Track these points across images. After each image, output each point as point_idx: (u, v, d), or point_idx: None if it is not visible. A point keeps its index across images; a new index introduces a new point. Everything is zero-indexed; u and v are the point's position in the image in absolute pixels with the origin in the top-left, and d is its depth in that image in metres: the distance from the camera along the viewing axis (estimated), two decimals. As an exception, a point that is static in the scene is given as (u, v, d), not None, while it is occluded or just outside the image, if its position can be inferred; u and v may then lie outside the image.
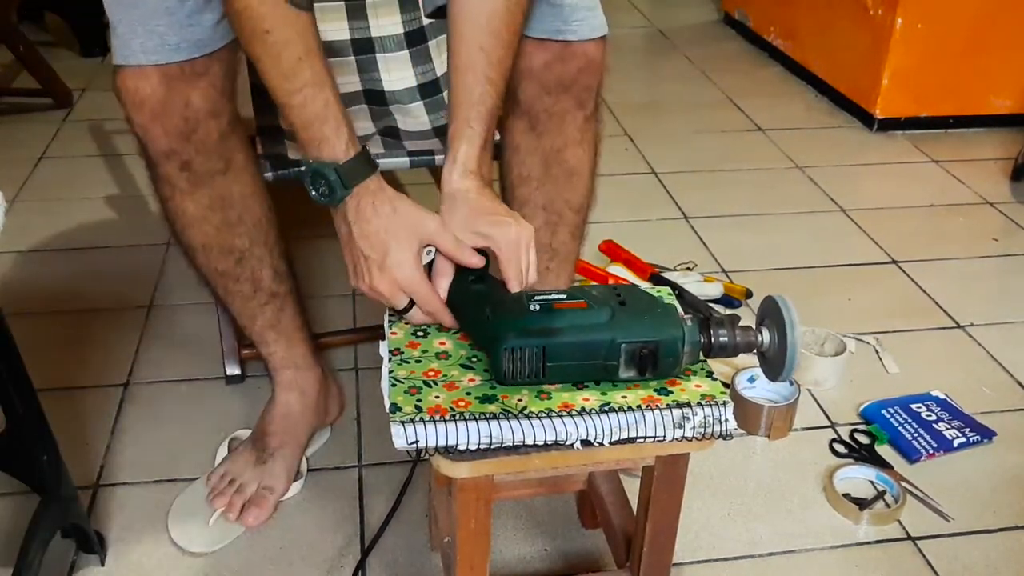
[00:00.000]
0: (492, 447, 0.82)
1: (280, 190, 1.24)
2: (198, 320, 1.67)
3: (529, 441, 0.82)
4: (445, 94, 1.38)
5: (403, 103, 1.39)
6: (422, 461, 1.31)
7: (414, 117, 1.40)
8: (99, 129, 2.47)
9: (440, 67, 1.38)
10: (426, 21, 1.38)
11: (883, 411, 1.46)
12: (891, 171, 2.39)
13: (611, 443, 0.83)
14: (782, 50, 3.03)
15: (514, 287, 0.93)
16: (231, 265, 1.18)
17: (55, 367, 1.55)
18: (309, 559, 1.21)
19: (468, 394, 0.85)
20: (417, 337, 0.94)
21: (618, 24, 3.51)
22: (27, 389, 1.04)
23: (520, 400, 0.84)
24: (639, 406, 0.84)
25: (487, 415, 0.82)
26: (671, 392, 0.86)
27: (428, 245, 0.93)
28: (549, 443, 0.83)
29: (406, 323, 0.96)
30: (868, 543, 1.25)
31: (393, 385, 0.86)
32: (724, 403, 0.85)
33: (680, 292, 1.70)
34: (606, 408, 0.84)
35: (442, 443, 0.81)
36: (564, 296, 0.88)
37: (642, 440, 0.84)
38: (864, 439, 1.42)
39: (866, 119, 2.58)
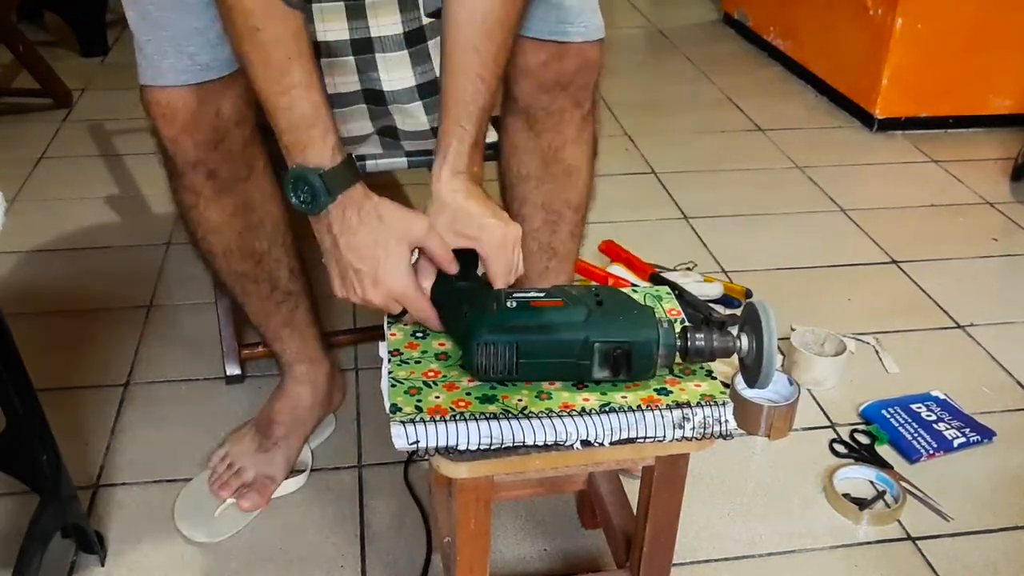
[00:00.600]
0: (492, 447, 0.82)
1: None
2: (198, 320, 1.67)
3: (529, 441, 0.82)
4: (444, 94, 1.38)
5: (402, 103, 1.39)
6: (423, 461, 1.32)
7: (413, 117, 1.40)
8: (99, 129, 2.47)
9: (439, 67, 1.39)
10: (426, 21, 1.38)
11: (883, 411, 1.46)
12: (891, 171, 2.39)
13: (611, 443, 0.83)
14: (782, 50, 3.03)
15: (499, 286, 0.93)
16: (251, 267, 1.19)
17: (55, 367, 1.55)
18: (309, 559, 1.21)
19: (468, 394, 0.85)
20: (417, 338, 0.94)
21: (618, 24, 3.52)
22: (27, 389, 1.04)
23: (520, 400, 0.84)
24: (639, 406, 0.84)
25: (487, 415, 0.82)
26: (671, 392, 0.86)
27: (417, 248, 0.93)
28: (549, 443, 0.83)
29: (405, 324, 0.96)
30: (868, 543, 1.25)
31: (393, 386, 0.86)
32: (724, 403, 0.85)
33: (680, 292, 1.70)
34: (606, 408, 0.84)
35: (442, 443, 0.81)
36: (542, 294, 0.88)
37: (642, 440, 0.84)
38: (864, 439, 1.42)
39: (866, 119, 2.58)
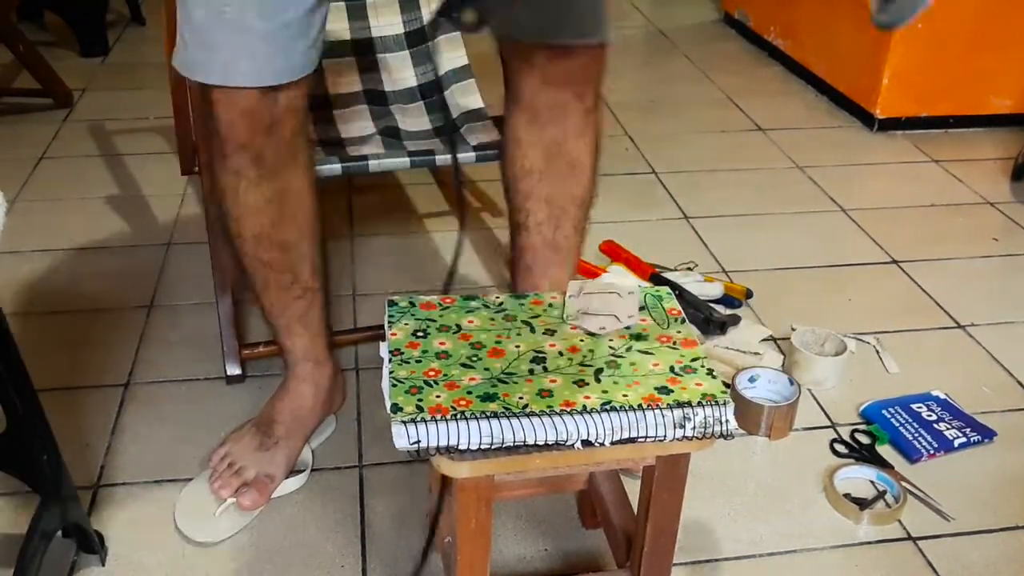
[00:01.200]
0: (493, 447, 0.82)
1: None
2: (198, 320, 1.67)
3: (530, 441, 0.82)
4: (445, 94, 1.38)
5: (403, 103, 1.39)
6: (423, 461, 1.32)
7: (415, 117, 1.40)
8: (99, 129, 2.47)
9: (440, 67, 1.39)
10: (426, 21, 1.38)
11: (883, 411, 1.46)
12: (891, 171, 2.39)
13: (612, 443, 0.83)
14: (782, 50, 3.03)
15: None
16: (277, 256, 1.19)
17: (55, 367, 1.55)
18: (309, 559, 1.21)
19: (469, 392, 0.85)
20: (417, 337, 0.94)
21: (618, 24, 3.50)
22: (27, 389, 1.04)
23: (521, 398, 0.84)
24: (640, 405, 0.84)
25: (488, 414, 0.82)
26: (672, 391, 0.86)
27: None
28: (550, 443, 0.83)
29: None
30: (868, 543, 1.25)
31: (394, 385, 0.86)
32: (724, 403, 0.85)
33: (680, 292, 1.70)
34: (607, 407, 0.84)
35: (443, 443, 0.81)
36: None
37: (643, 440, 0.84)
38: (865, 439, 1.42)
39: (866, 119, 2.58)
